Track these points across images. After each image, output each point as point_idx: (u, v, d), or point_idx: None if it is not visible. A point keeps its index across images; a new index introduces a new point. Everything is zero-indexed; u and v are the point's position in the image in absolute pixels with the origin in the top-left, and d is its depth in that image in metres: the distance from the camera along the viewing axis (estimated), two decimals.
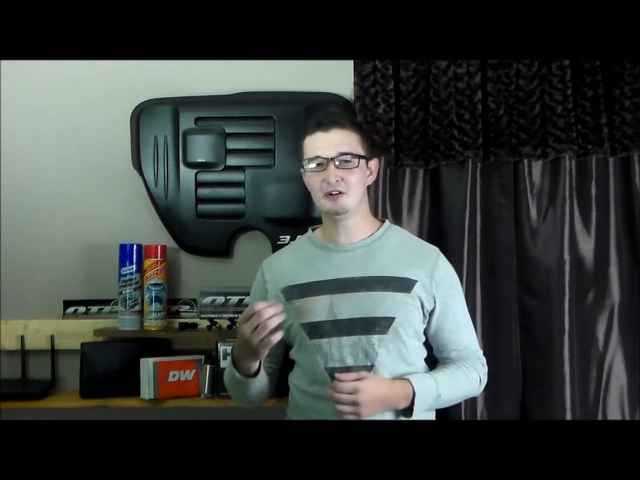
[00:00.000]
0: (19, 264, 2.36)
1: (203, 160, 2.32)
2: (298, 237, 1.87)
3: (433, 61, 2.19)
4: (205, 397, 2.20)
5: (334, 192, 1.69)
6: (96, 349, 2.27)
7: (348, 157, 1.70)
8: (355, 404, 1.59)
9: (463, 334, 1.79)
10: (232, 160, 2.32)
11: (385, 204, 2.20)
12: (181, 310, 2.39)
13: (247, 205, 2.32)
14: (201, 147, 2.32)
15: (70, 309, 2.38)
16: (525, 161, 2.18)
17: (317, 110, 1.92)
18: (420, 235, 2.20)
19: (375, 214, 2.17)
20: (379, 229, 1.80)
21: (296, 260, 1.79)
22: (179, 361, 2.24)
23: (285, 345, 1.80)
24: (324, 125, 1.71)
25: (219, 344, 2.20)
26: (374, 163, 1.79)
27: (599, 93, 2.17)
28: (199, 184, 2.32)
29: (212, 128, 2.32)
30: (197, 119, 2.32)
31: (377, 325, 1.67)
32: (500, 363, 2.17)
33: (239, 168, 2.32)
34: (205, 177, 2.33)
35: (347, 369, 1.65)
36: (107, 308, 2.38)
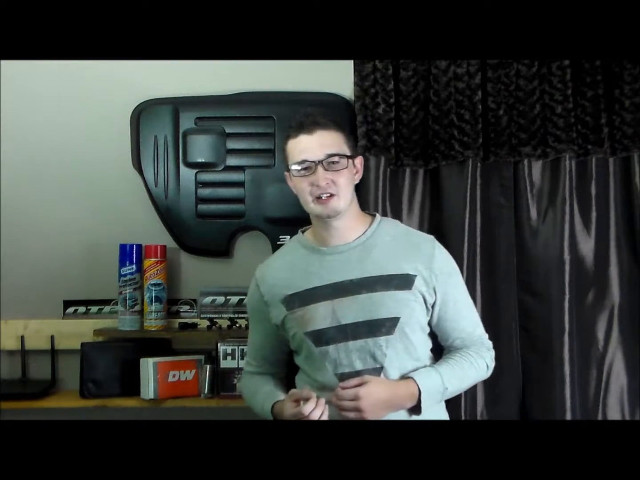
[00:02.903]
0: (19, 264, 2.36)
1: (203, 160, 2.32)
2: (288, 240, 1.82)
3: (433, 61, 2.19)
4: (205, 397, 2.21)
5: (324, 196, 1.65)
6: (96, 349, 2.27)
7: (336, 159, 1.65)
8: (358, 410, 1.58)
9: (466, 321, 1.76)
10: (232, 160, 2.32)
11: (385, 204, 2.20)
12: (181, 310, 2.39)
13: (247, 205, 2.32)
14: (201, 147, 2.32)
15: (70, 309, 2.38)
16: (525, 161, 2.18)
17: (315, 111, 1.90)
18: None
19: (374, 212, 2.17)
20: (370, 225, 1.75)
21: (290, 266, 1.75)
22: (179, 361, 2.24)
23: (289, 350, 1.79)
24: (307, 127, 1.67)
25: (219, 344, 2.20)
26: (359, 161, 1.74)
27: (599, 93, 2.17)
28: (199, 184, 2.32)
29: (212, 128, 2.32)
30: (197, 119, 2.32)
31: (383, 326, 1.65)
32: (500, 363, 2.16)
33: (239, 168, 2.32)
34: (205, 177, 2.33)
35: (357, 373, 1.64)
36: (107, 308, 2.38)
